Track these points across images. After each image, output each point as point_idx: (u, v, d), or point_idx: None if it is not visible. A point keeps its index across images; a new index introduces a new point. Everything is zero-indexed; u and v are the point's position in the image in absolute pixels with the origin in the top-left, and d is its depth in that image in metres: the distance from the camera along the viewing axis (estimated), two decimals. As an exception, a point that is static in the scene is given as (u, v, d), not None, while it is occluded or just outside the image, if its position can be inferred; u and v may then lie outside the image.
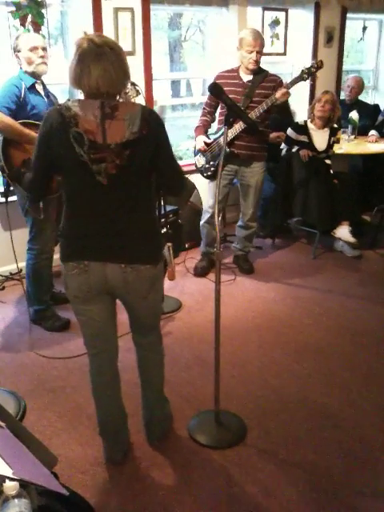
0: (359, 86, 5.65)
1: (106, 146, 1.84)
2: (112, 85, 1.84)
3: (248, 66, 3.79)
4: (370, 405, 2.69)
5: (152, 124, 1.89)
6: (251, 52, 3.73)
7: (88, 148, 1.82)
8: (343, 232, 4.50)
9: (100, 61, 1.80)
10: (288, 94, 3.72)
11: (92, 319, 2.10)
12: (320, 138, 4.60)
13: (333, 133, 4.64)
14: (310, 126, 4.61)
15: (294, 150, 4.59)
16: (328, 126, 4.59)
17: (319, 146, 4.59)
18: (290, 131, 4.65)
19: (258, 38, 3.74)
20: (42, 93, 3.25)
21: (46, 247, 3.36)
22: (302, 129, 4.61)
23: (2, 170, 3.10)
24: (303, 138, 4.58)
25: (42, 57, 3.18)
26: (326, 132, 4.60)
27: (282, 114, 3.97)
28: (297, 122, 4.73)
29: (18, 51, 3.17)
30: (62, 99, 3.15)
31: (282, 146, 4.73)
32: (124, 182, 1.90)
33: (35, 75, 3.19)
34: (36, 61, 3.16)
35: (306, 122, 4.65)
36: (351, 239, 4.48)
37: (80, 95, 1.92)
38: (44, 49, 3.21)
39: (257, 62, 3.77)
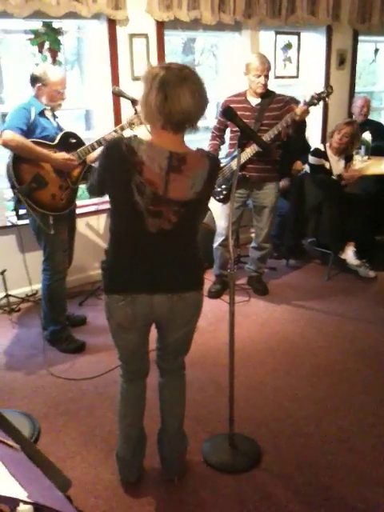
0: (368, 106, 5.67)
1: (165, 200, 1.80)
2: (201, 108, 1.77)
3: (256, 89, 3.84)
4: (387, 428, 2.65)
5: (213, 181, 1.88)
6: (259, 76, 3.79)
7: (148, 199, 1.79)
8: (348, 254, 4.50)
9: (186, 85, 1.72)
10: (308, 111, 3.74)
11: (130, 343, 2.12)
12: (336, 164, 4.58)
13: (348, 159, 4.60)
14: (329, 151, 4.57)
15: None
16: (343, 156, 4.57)
17: (335, 172, 4.56)
18: (312, 159, 4.56)
19: (265, 61, 3.80)
20: (51, 118, 3.28)
21: (59, 267, 3.36)
22: (322, 154, 4.56)
23: (12, 186, 3.11)
24: (323, 162, 4.53)
25: (64, 97, 3.23)
26: (341, 157, 4.58)
27: (297, 132, 3.98)
28: (317, 148, 4.65)
29: (45, 85, 3.14)
30: (73, 125, 3.18)
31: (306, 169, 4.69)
32: (174, 235, 1.88)
33: (48, 106, 3.21)
34: (58, 101, 3.21)
35: (325, 146, 4.61)
36: (355, 261, 4.49)
37: (136, 130, 1.89)
38: (65, 87, 3.22)
39: (265, 85, 3.83)
